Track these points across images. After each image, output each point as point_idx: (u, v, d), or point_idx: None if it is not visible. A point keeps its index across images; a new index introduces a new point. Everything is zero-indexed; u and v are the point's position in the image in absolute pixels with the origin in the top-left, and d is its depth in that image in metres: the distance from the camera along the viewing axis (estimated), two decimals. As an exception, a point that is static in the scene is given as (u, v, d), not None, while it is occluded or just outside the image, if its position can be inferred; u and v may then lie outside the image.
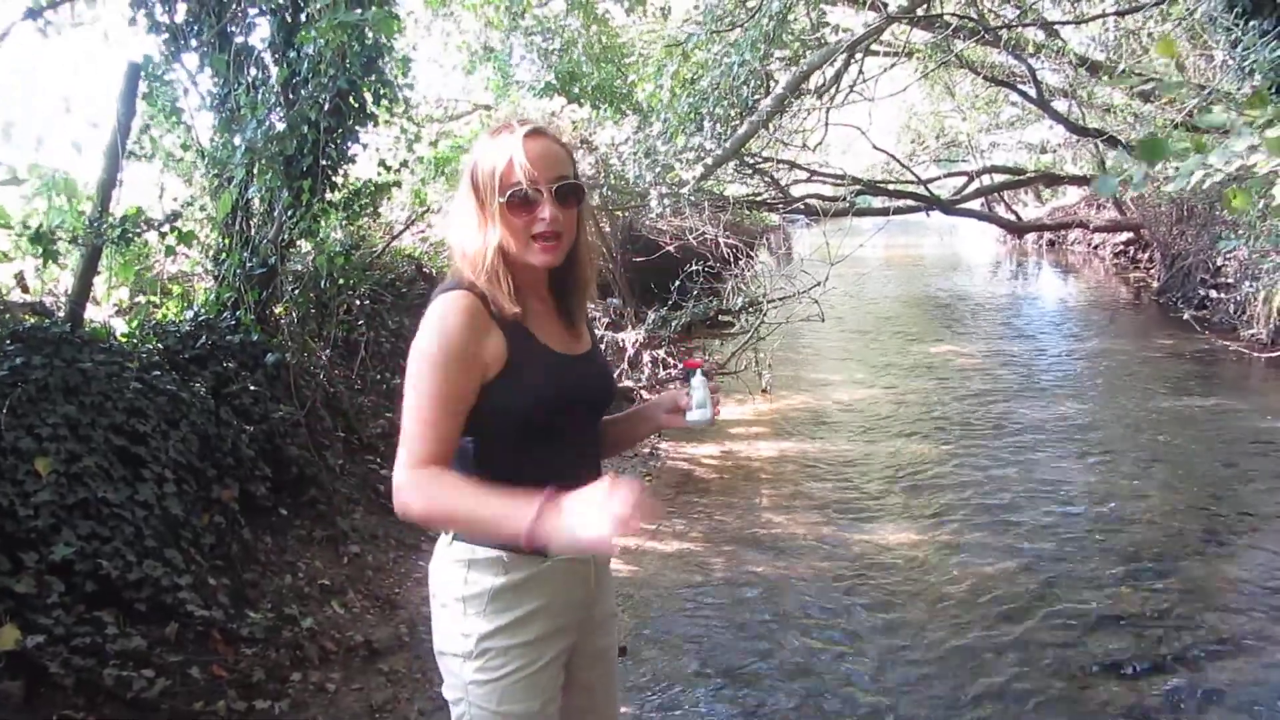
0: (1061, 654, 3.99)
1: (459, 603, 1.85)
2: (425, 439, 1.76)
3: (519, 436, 1.85)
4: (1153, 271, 16.19)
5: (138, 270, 5.15)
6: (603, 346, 2.21)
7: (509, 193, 1.79)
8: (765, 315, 8.64)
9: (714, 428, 2.07)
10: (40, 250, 3.92)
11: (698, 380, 2.02)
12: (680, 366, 8.25)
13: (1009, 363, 10.21)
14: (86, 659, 3.02)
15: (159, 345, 4.43)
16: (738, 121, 8.70)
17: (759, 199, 13.72)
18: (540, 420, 1.86)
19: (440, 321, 1.79)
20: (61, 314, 4.03)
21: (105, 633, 3.14)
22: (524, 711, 1.84)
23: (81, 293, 4.19)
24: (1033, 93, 11.03)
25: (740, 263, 10.27)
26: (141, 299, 5.10)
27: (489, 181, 1.81)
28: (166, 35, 4.79)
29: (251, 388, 4.58)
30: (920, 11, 9.49)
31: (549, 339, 1.90)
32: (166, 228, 4.33)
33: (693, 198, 8.79)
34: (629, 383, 8.07)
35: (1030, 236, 23.28)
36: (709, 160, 8.39)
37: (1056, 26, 10.43)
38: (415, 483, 1.73)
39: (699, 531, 5.51)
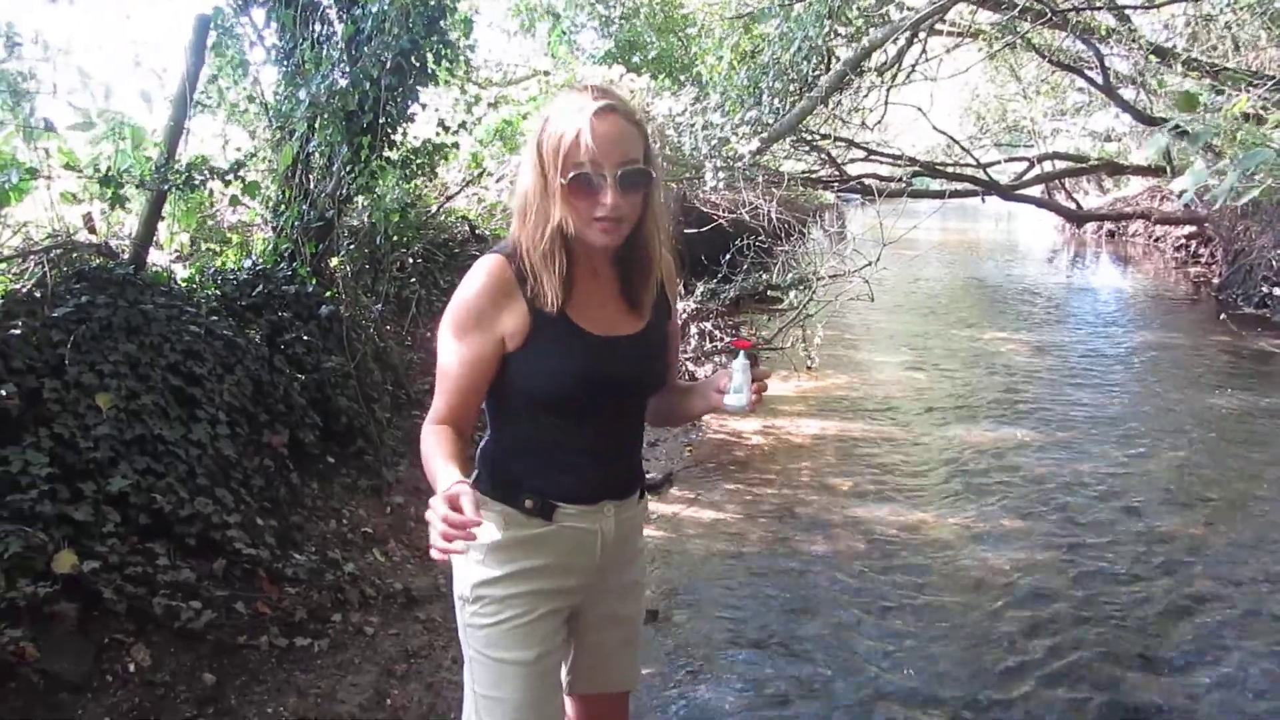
0: (1092, 643, 3.97)
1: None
2: (439, 398, 1.84)
3: (541, 412, 1.87)
4: (1214, 267, 15.85)
5: (200, 218, 5.28)
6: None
7: (571, 175, 1.71)
8: (814, 293, 8.59)
9: (753, 411, 1.98)
10: (108, 193, 4.03)
11: (738, 363, 1.88)
12: (727, 342, 8.32)
13: (1058, 352, 10.08)
14: (138, 587, 3.13)
15: (217, 291, 4.54)
16: (797, 96, 8.65)
17: (814, 176, 13.63)
18: (557, 400, 1.85)
19: (464, 284, 1.82)
20: (125, 256, 4.15)
21: (156, 563, 3.25)
22: (516, 659, 1.88)
23: (145, 236, 4.31)
24: (1100, 79, 10.83)
25: (792, 239, 10.21)
26: (202, 246, 5.23)
27: (553, 156, 1.72)
28: (235, -12, 4.89)
29: (305, 337, 4.68)
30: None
31: (586, 317, 1.84)
32: (231, 176, 4.43)
33: (748, 172, 8.76)
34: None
35: (1090, 226, 22.86)
36: (766, 134, 8.35)
37: (1128, 11, 10.19)
38: (422, 438, 1.81)
39: (736, 503, 5.55)
